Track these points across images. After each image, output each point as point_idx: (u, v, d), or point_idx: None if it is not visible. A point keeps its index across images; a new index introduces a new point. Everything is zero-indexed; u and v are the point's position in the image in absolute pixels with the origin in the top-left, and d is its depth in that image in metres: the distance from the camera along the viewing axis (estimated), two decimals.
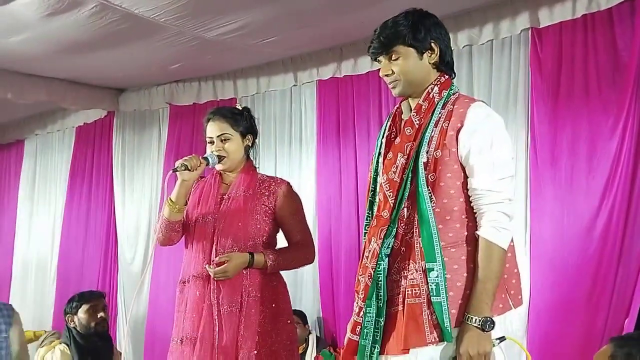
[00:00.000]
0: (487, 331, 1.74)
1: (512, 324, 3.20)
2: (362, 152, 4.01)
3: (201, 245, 2.53)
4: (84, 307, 3.30)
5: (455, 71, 2.00)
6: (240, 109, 2.71)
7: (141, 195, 5.14)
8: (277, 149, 4.46)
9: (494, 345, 1.76)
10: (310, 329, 4.02)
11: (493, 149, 1.81)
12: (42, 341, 4.22)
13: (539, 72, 3.29)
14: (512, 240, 1.86)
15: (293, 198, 2.64)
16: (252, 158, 2.71)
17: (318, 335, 4.07)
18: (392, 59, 1.93)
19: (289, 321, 2.58)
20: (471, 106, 1.86)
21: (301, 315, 3.88)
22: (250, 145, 2.66)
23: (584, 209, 3.06)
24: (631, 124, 2.95)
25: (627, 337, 2.50)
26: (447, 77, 1.95)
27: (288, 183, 2.68)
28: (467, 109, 1.85)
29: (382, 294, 1.85)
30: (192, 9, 3.31)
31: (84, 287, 4.90)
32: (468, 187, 1.82)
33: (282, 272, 2.62)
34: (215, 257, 2.47)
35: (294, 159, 4.41)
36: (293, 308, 2.86)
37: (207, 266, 2.47)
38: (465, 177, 1.83)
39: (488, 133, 1.82)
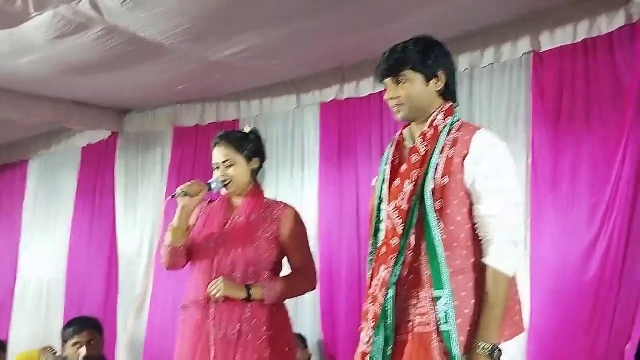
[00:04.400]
0: (495, 359, 1.75)
1: (512, 348, 3.17)
2: (363, 174, 4.02)
3: (202, 270, 2.52)
4: (69, 342, 3.33)
5: (457, 98, 2.03)
6: (248, 131, 2.68)
7: (144, 216, 5.14)
8: (280, 171, 4.47)
9: None
10: (310, 352, 3.99)
11: (500, 175, 1.83)
12: None
13: (540, 95, 3.30)
14: None
15: (296, 224, 2.59)
16: (259, 181, 2.69)
17: (319, 358, 4.05)
18: (399, 82, 1.95)
19: (287, 348, 2.53)
20: (476, 133, 1.88)
21: (301, 339, 3.86)
22: (257, 168, 2.64)
23: (584, 232, 3.06)
24: (631, 149, 2.96)
25: None
26: (451, 104, 1.97)
27: (292, 209, 2.63)
28: (472, 136, 1.87)
29: (390, 322, 1.85)
30: (197, 32, 3.36)
31: (89, 308, 4.91)
32: (474, 213, 1.83)
33: None
34: None
35: (296, 181, 4.42)
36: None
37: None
38: (471, 204, 1.84)
39: (494, 160, 1.84)
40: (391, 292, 1.85)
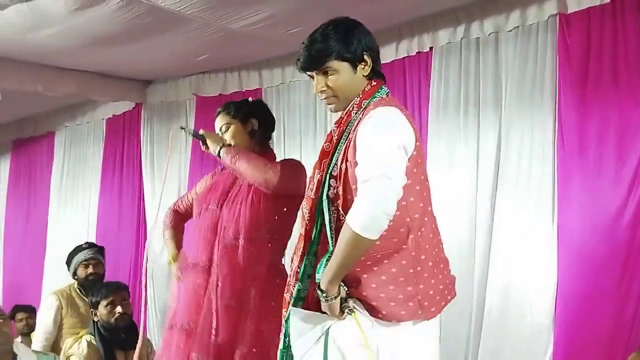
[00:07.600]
0: (327, 302, 1.79)
1: (540, 314, 3.19)
2: None
3: (205, 234, 2.50)
4: (102, 302, 3.36)
5: (385, 77, 1.97)
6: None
7: (169, 186, 5.18)
8: (302, 140, 4.46)
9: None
10: None
11: (369, 145, 1.76)
12: None
13: (567, 59, 3.23)
14: (432, 237, 1.90)
15: (289, 160, 2.58)
16: (269, 145, 2.67)
17: None
18: (327, 74, 1.89)
19: None
20: (370, 113, 1.82)
21: None
22: (256, 128, 2.59)
23: (612, 197, 3.02)
24: None
25: None
26: (372, 85, 1.91)
27: (295, 160, 2.62)
28: (365, 117, 1.81)
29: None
30: (217, 0, 3.33)
31: (119, 276, 5.00)
32: None
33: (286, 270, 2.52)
34: (218, 249, 2.45)
35: (319, 148, 4.39)
36: None
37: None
38: None
39: (369, 130, 1.78)
40: (299, 285, 1.89)
